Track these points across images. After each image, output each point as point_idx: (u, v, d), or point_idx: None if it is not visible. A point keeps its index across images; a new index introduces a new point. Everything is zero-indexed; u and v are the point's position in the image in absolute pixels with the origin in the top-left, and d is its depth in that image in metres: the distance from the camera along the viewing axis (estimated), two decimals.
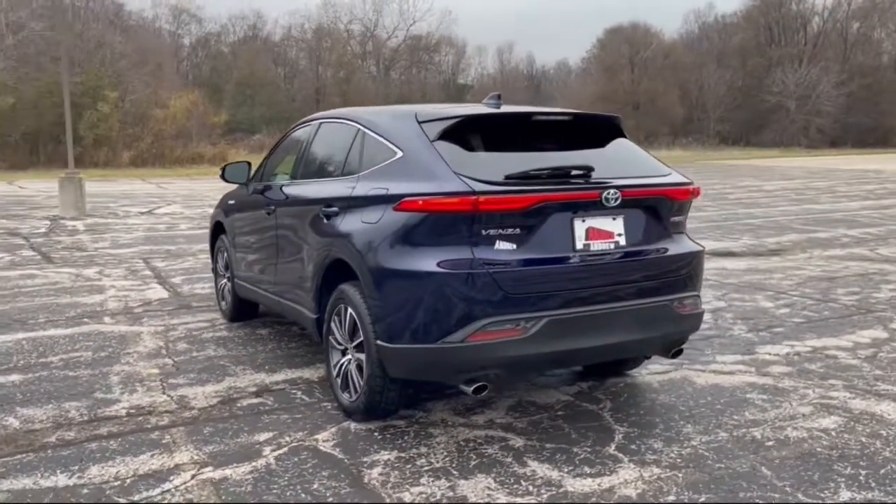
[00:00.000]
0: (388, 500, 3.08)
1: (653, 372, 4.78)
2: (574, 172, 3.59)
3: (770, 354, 5.16)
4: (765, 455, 3.52)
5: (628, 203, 3.66)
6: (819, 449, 3.60)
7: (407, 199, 3.46)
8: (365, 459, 3.49)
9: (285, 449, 3.60)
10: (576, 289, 3.52)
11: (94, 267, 9.02)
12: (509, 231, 3.40)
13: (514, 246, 3.42)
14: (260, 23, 67.75)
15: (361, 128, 4.18)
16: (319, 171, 4.65)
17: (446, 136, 3.63)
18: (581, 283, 3.54)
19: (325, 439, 3.71)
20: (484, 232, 3.37)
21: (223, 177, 5.59)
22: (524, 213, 3.40)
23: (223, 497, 3.11)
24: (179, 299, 7.11)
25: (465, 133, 3.67)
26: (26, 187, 23.56)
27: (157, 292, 7.45)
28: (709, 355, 5.14)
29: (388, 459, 3.48)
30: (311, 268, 4.24)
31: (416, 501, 3.08)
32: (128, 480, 3.26)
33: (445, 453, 3.55)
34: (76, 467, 3.40)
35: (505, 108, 4.02)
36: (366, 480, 3.27)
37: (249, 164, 5.73)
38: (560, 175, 3.56)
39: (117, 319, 6.28)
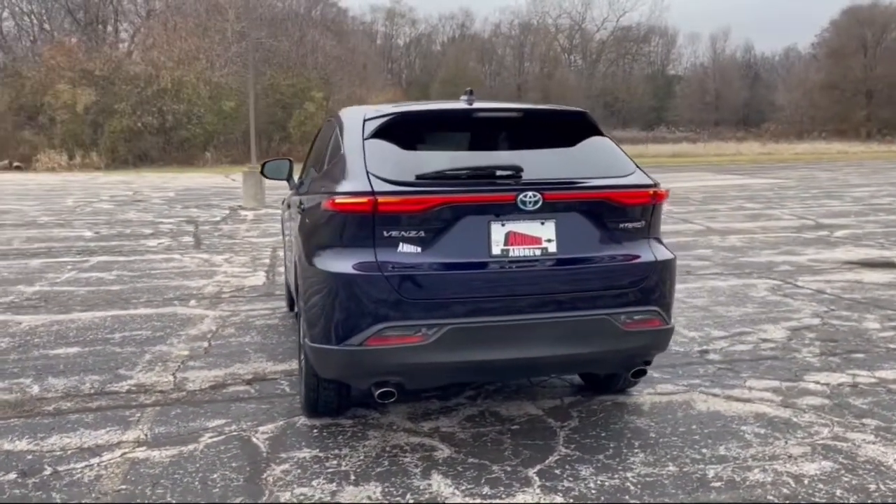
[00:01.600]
0: (264, 499, 3.12)
1: (658, 392, 4.37)
2: (500, 173, 3.37)
3: (817, 384, 4.49)
4: (698, 497, 3.11)
5: (560, 207, 3.38)
6: (770, 498, 3.10)
7: (325, 198, 3.46)
8: (282, 455, 3.54)
9: (222, 437, 3.75)
10: (489, 297, 3.31)
11: (227, 254, 9.86)
12: (413, 233, 3.28)
13: (419, 249, 3.28)
14: (468, 21, 69.59)
15: (336, 126, 4.23)
16: (313, 169, 4.76)
17: (380, 133, 3.57)
18: (496, 290, 3.32)
19: (264, 431, 3.82)
20: (386, 234, 3.28)
21: (262, 172, 5.87)
22: (427, 215, 3.26)
23: (127, 477, 3.32)
24: (269, 287, 7.58)
25: (399, 131, 3.58)
26: (237, 180, 26.06)
27: (256, 280, 8.00)
28: (741, 378, 4.58)
29: (303, 458, 3.51)
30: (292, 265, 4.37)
31: (291, 501, 3.09)
32: (68, 452, 3.59)
33: (362, 457, 3.51)
34: (42, 435, 3.79)
35: (460, 105, 3.85)
36: (264, 476, 3.33)
37: (291, 161, 5.97)
38: (481, 175, 3.37)
39: (200, 303, 6.84)
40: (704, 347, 5.26)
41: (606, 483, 3.23)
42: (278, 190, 20.07)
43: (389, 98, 35.58)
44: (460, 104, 3.74)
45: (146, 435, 3.78)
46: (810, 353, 5.12)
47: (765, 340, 5.44)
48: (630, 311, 3.48)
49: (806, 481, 3.23)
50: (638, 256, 3.54)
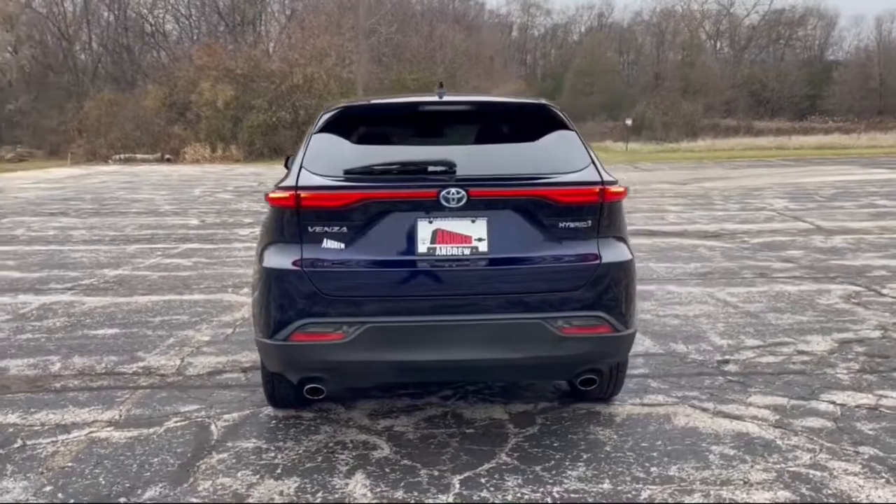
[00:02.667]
0: (183, 487, 3.21)
1: (644, 402, 4.10)
2: (431, 169, 3.26)
3: (832, 403, 4.05)
4: None
5: (492, 204, 3.23)
6: None
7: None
8: (228, 444, 3.63)
9: (185, 423, 3.90)
10: (413, 296, 3.22)
11: None
12: (336, 229, 3.24)
13: (343, 245, 3.25)
14: (607, 10, 67.85)
15: None
16: None
17: (328, 128, 3.56)
18: (421, 290, 3.23)
19: (226, 420, 3.93)
20: (311, 229, 3.27)
21: (286, 165, 5.99)
22: (348, 210, 3.21)
23: (78, 455, 3.52)
24: None
25: (346, 125, 3.55)
26: None
27: None
28: (747, 393, 4.21)
29: (245, 448, 3.58)
30: None
31: (208, 490, 3.17)
32: (45, 428, 3.85)
33: (301, 452, 3.53)
34: (34, 410, 4.09)
35: (409, 99, 3.76)
36: (199, 463, 3.42)
37: None
38: (411, 171, 3.27)
39: (246, 292, 7.13)
40: (727, 357, 4.88)
41: (526, 496, 3.07)
42: None
43: (512, 90, 35.39)
44: (412, 97, 3.65)
45: (120, 416, 3.99)
46: (846, 368, 4.62)
47: (801, 352, 4.96)
48: (568, 315, 3.28)
49: None
50: (581, 257, 3.32)
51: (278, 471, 3.33)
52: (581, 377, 3.49)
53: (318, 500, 3.06)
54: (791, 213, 12.84)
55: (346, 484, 3.19)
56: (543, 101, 3.75)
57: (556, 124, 3.63)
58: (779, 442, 3.57)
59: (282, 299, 3.29)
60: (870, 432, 3.68)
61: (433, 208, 3.20)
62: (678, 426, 3.77)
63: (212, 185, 20.52)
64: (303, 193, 3.23)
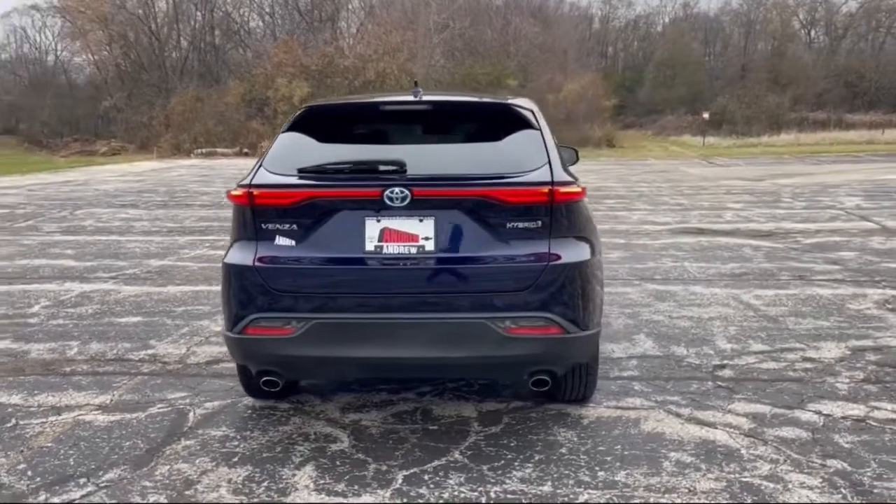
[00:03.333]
0: (142, 471, 3.37)
1: (619, 405, 4.03)
2: (382, 168, 3.30)
3: (817, 413, 3.89)
4: None
5: (439, 204, 3.25)
6: None
7: None
8: (198, 431, 3.78)
9: (167, 409, 4.07)
10: (360, 293, 3.28)
11: None
12: (287, 227, 3.33)
13: (294, 243, 3.33)
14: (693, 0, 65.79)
15: None
16: None
17: (295, 127, 3.65)
18: (368, 287, 3.28)
19: (206, 408, 4.08)
20: (264, 226, 3.37)
21: None
22: (297, 208, 3.29)
23: (59, 436, 3.73)
24: None
25: (311, 125, 3.63)
26: None
27: None
28: (730, 400, 4.09)
29: (212, 435, 3.72)
30: None
31: (163, 474, 3.31)
32: (40, 410, 4.09)
33: (265, 441, 3.65)
34: (36, 393, 4.36)
35: (372, 99, 3.80)
36: (166, 448, 3.58)
37: None
38: (362, 170, 3.32)
39: None
40: (725, 362, 4.73)
41: (462, 495, 3.09)
42: None
43: (583, 83, 34.92)
44: (378, 97, 3.69)
45: (111, 401, 4.21)
46: (849, 378, 4.42)
47: (806, 359, 4.77)
48: (515, 315, 3.27)
49: None
50: (529, 258, 3.29)
51: (235, 459, 3.45)
52: (534, 378, 3.46)
53: (261, 490, 3.16)
54: (860, 212, 12.24)
55: (294, 475, 3.29)
56: (505, 101, 3.74)
57: (521, 124, 3.61)
58: (743, 451, 3.46)
59: (238, 294, 3.41)
60: (846, 445, 3.52)
61: (382, 207, 3.25)
62: (644, 431, 3.70)
63: None
64: (255, 191, 3.34)
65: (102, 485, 3.21)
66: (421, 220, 3.27)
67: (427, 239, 3.27)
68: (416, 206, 3.25)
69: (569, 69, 36.94)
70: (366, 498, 3.07)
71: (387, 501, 3.05)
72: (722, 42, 63.36)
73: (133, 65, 43.18)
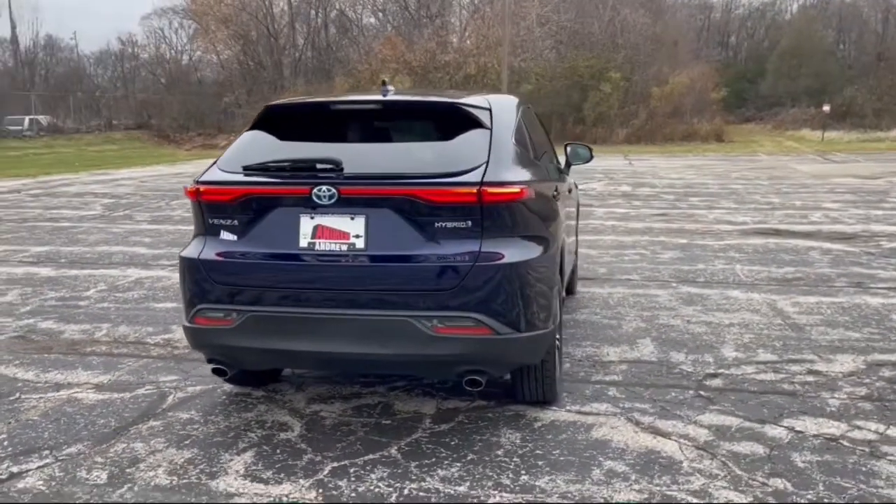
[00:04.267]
0: (100, 447, 3.61)
1: (580, 410, 3.95)
2: (320, 166, 3.38)
3: (788, 429, 3.68)
4: None
5: (370, 202, 3.30)
6: None
7: None
8: (169, 413, 4.00)
9: (152, 391, 4.33)
10: (292, 288, 3.38)
11: None
12: (229, 222, 3.47)
13: (235, 237, 3.47)
14: None
15: None
16: None
17: (258, 125, 3.78)
18: (300, 282, 3.37)
19: (186, 391, 4.31)
20: (211, 221, 3.52)
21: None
22: (236, 204, 3.43)
23: (48, 411, 4.06)
24: None
25: (270, 123, 3.75)
26: None
27: None
28: (704, 411, 3.92)
29: (180, 418, 3.93)
30: None
31: (115, 451, 3.54)
32: (43, 385, 4.44)
33: (223, 426, 3.82)
34: (49, 370, 4.73)
35: (327, 98, 3.88)
36: (131, 427, 3.81)
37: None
38: (301, 168, 3.41)
39: None
40: (720, 371, 4.53)
41: (377, 489, 3.14)
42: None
43: (694, 74, 33.60)
44: (338, 96, 3.78)
45: (109, 381, 4.52)
46: (848, 394, 4.13)
47: (812, 372, 4.49)
48: (441, 315, 3.27)
49: None
50: (457, 257, 3.28)
51: (187, 441, 3.64)
52: (466, 378, 3.45)
53: (195, 472, 3.33)
54: None
55: (231, 460, 3.44)
56: (454, 101, 3.74)
57: (471, 124, 3.59)
58: (685, 464, 3.32)
59: (188, 286, 3.60)
60: (801, 464, 3.31)
61: (315, 205, 3.33)
62: (592, 438, 3.61)
63: None
64: (202, 188, 3.50)
65: (60, 458, 3.48)
66: (352, 218, 3.34)
67: (357, 237, 3.33)
68: (345, 204, 3.31)
69: (679, 60, 35.67)
70: (285, 487, 3.18)
71: (300, 490, 3.14)
72: (858, 29, 59.27)
73: (252, 63, 45.25)
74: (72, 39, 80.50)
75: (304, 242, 3.38)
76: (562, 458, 3.40)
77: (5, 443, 3.66)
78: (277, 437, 3.67)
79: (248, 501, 3.06)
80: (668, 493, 3.08)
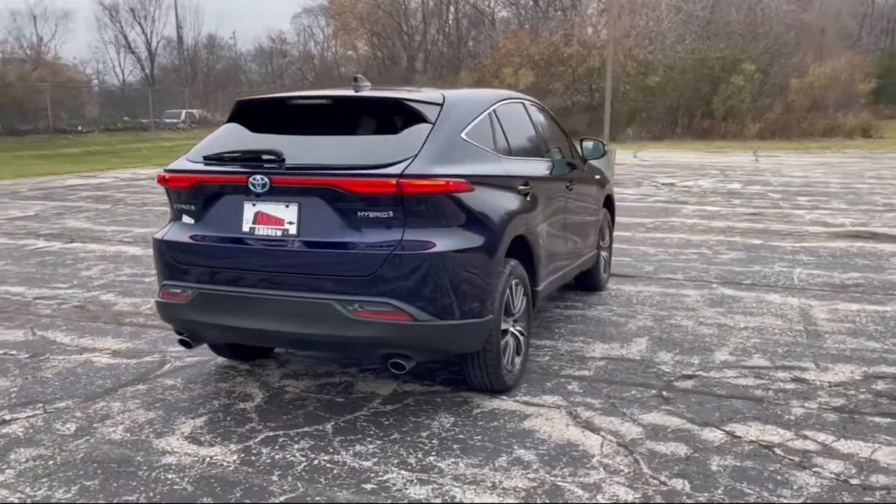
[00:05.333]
0: (86, 404, 4.08)
1: (526, 401, 4.02)
2: (265, 157, 3.64)
3: (729, 434, 3.59)
4: (306, 489, 3.10)
5: (301, 191, 3.53)
6: None
7: None
8: (158, 380, 4.41)
9: (156, 359, 4.76)
10: (233, 269, 3.67)
11: None
12: (188, 207, 3.81)
13: (193, 221, 3.81)
14: None
15: None
16: None
17: (232, 118, 4.09)
18: (240, 264, 3.66)
19: (183, 361, 4.71)
20: (176, 206, 3.88)
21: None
22: (191, 191, 3.76)
23: (62, 372, 4.59)
24: None
25: (241, 117, 4.04)
26: (646, 160, 26.26)
27: None
28: (655, 411, 3.88)
29: (164, 384, 4.33)
30: None
31: (94, 409, 3.99)
32: (71, 348, 5.00)
33: (196, 394, 4.19)
34: (84, 336, 5.30)
35: (287, 94, 4.13)
36: (120, 389, 4.26)
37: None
38: (248, 159, 3.68)
39: None
40: (698, 373, 4.43)
41: (290, 458, 3.37)
42: (649, 167, 19.90)
43: (838, 66, 31.27)
44: (295, 93, 4.04)
45: (125, 348, 5.03)
46: (820, 404, 3.95)
47: (796, 380, 4.30)
48: (362, 299, 3.45)
49: None
50: (379, 245, 3.45)
51: (157, 405, 4.04)
52: (390, 360, 3.61)
53: (147, 431, 3.70)
54: None
55: (184, 423, 3.79)
56: (398, 97, 3.89)
57: (414, 118, 3.74)
58: (595, 459, 3.34)
59: (158, 264, 3.99)
60: (714, 468, 3.24)
61: (256, 192, 3.61)
62: (521, 427, 3.68)
63: None
64: (167, 175, 3.87)
65: (49, 410, 3.97)
66: (287, 206, 3.59)
67: (291, 223, 3.58)
68: (280, 193, 3.57)
69: (826, 50, 33.34)
70: (214, 450, 3.49)
71: (224, 454, 3.43)
72: None
73: (386, 58, 46.67)
74: (231, 39, 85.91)
75: (246, 227, 3.67)
76: (478, 444, 3.50)
77: (13, 394, 4.20)
78: (235, 406, 4.00)
79: (174, 460, 3.38)
80: (559, 483, 3.12)
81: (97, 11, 65.73)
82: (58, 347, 5.05)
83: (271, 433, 3.65)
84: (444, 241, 3.53)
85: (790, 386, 4.21)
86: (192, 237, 3.82)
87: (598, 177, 6.21)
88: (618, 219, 10.78)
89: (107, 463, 3.36)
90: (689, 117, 31.26)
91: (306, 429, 3.70)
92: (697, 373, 4.42)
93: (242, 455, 3.43)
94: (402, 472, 3.24)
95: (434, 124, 3.74)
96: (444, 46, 48.91)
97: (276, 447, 3.50)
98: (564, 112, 31.77)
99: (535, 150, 4.92)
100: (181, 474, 3.24)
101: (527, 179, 4.35)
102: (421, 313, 3.48)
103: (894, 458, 3.33)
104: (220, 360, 4.74)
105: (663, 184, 16.17)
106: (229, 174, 3.70)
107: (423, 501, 3.00)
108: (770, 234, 9.40)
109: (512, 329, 4.16)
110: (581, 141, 5.93)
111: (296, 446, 3.51)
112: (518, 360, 4.21)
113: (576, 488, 3.08)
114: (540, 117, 5.26)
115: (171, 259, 3.87)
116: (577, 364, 4.60)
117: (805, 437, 3.53)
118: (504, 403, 3.99)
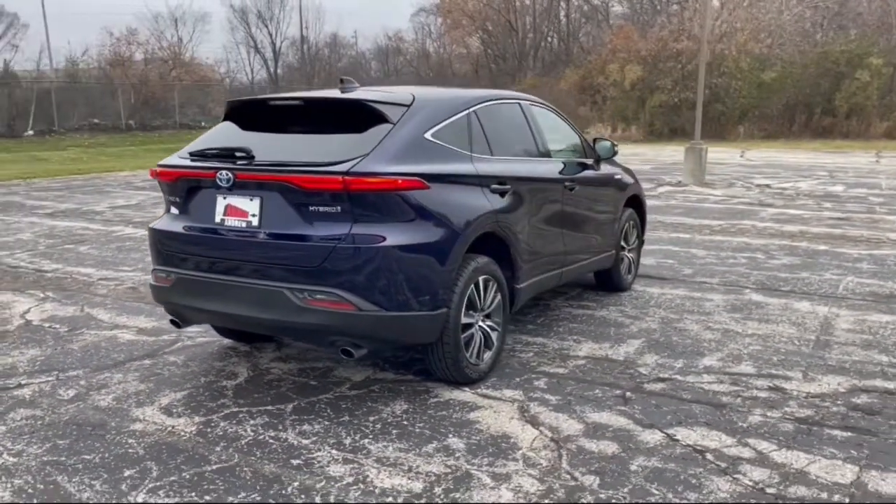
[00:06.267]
0: (96, 371, 4.53)
1: (484, 394, 4.13)
2: (238, 154, 3.93)
3: (667, 437, 3.58)
4: (206, 464, 3.36)
5: (263, 186, 3.80)
6: (293, 492, 3.16)
7: None
8: (165, 357, 4.81)
9: (172, 338, 5.17)
10: (207, 257, 3.98)
11: None
12: (174, 199, 4.17)
13: (178, 212, 4.16)
14: None
15: None
16: None
17: (226, 118, 4.42)
18: (213, 253, 3.96)
19: (195, 341, 5.10)
20: (167, 198, 4.24)
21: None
22: (175, 185, 4.10)
23: (88, 343, 5.09)
24: None
25: (232, 117, 4.35)
26: (753, 159, 25.18)
27: None
28: (605, 410, 3.91)
29: (168, 360, 4.73)
30: None
31: (98, 380, 4.42)
32: (107, 325, 5.50)
33: (191, 370, 4.55)
34: (125, 314, 5.80)
35: (267, 96, 4.39)
36: (128, 363, 4.70)
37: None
38: (224, 155, 3.98)
39: None
40: (674, 377, 4.39)
41: (240, 432, 3.65)
42: (751, 167, 19.08)
43: None
44: (274, 94, 4.32)
45: (150, 327, 5.48)
46: (784, 414, 3.85)
47: (772, 388, 4.20)
48: (311, 288, 3.68)
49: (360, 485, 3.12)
50: (328, 238, 3.65)
51: (151, 378, 4.43)
52: (340, 348, 3.82)
53: (130, 401, 4.09)
54: None
55: (165, 396, 4.15)
56: (357, 98, 4.09)
57: (375, 119, 3.93)
58: (521, 451, 3.43)
59: (151, 251, 4.38)
60: (634, 467, 3.26)
61: (223, 187, 3.91)
62: (466, 418, 3.81)
63: None
64: (159, 170, 4.24)
65: (60, 378, 4.45)
66: (251, 200, 3.87)
67: (254, 216, 3.86)
68: (242, 188, 3.86)
69: None
70: (179, 421, 3.82)
71: (186, 425, 3.76)
72: None
73: (494, 55, 46.83)
74: (353, 38, 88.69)
75: (218, 219, 3.99)
76: (416, 431, 3.66)
77: (38, 362, 4.72)
78: (217, 384, 4.33)
79: (141, 427, 3.74)
80: (473, 471, 3.24)
81: (229, 14, 69.66)
82: (95, 323, 5.59)
83: (236, 409, 3.95)
84: (393, 236, 3.70)
85: (763, 394, 4.10)
86: (175, 226, 4.18)
87: (618, 177, 6.17)
88: (683, 220, 10.58)
89: (84, 426, 3.76)
90: (808, 115, 29.59)
91: (269, 407, 3.97)
92: (674, 376, 4.38)
93: (201, 427, 3.74)
94: (333, 451, 3.45)
95: (395, 125, 3.92)
96: (555, 41, 48.52)
97: (234, 422, 3.79)
98: (672, 109, 30.92)
99: (525, 150, 4.99)
100: (140, 440, 3.59)
101: (504, 179, 4.44)
102: (365, 303, 3.68)
103: (828, 471, 3.23)
104: (226, 341, 5.11)
105: (757, 185, 15.53)
106: (203, 169, 4.02)
107: (336, 477, 3.20)
108: (842, 241, 8.93)
109: (482, 324, 4.27)
110: (594, 141, 5.94)
111: (251, 422, 3.79)
112: (488, 354, 4.33)
113: (485, 477, 3.19)
114: (541, 118, 5.31)
115: (159, 246, 4.25)
116: (557, 362, 4.65)
117: (745, 445, 3.47)
118: (462, 395, 4.12)
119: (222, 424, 3.77)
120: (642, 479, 3.17)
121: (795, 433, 3.61)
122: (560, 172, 5.19)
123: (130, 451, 3.48)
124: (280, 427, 3.72)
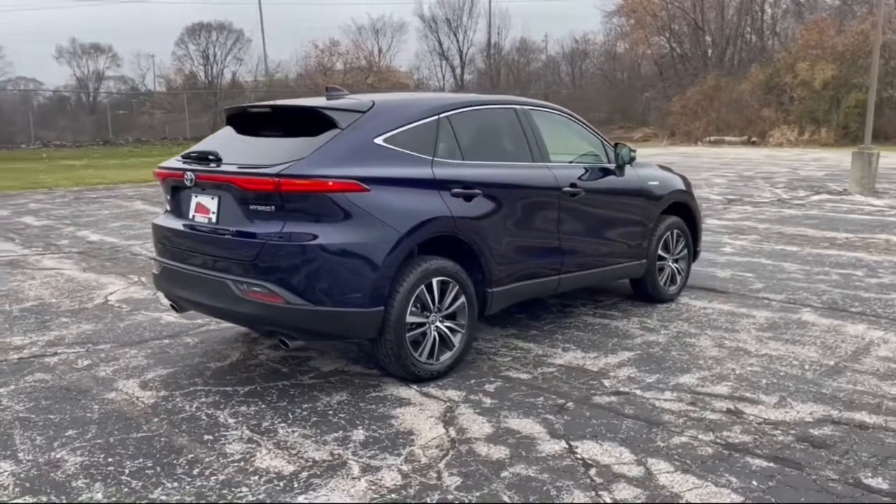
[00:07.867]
0: (119, 345, 5.14)
1: (427, 393, 4.22)
2: (210, 157, 4.32)
3: (566, 448, 3.50)
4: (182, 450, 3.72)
5: (219, 186, 4.15)
6: (239, 486, 3.48)
7: None
8: (182, 339, 5.35)
9: (200, 324, 5.75)
10: (180, 249, 4.41)
11: None
12: (167, 196, 4.64)
13: (168, 209, 4.64)
14: None
15: None
16: None
17: (226, 122, 4.85)
18: (185, 245, 4.38)
19: (220, 326, 5.62)
20: (165, 196, 4.73)
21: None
22: (164, 184, 4.57)
23: (129, 324, 5.77)
24: None
25: (230, 121, 4.76)
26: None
27: None
28: (531, 417, 3.87)
29: (182, 342, 5.26)
30: None
31: (115, 352, 5.03)
32: (160, 306, 6.20)
33: (191, 352, 5.03)
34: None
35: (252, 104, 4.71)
36: (150, 342, 5.29)
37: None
38: (199, 158, 4.38)
39: None
40: (634, 391, 4.22)
41: (185, 407, 4.03)
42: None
43: None
44: (260, 102, 4.66)
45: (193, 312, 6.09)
46: (722, 438, 3.61)
47: (730, 412, 3.92)
48: (247, 281, 3.97)
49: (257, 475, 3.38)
50: (262, 235, 3.91)
51: (157, 356, 4.95)
52: (277, 336, 4.09)
53: (122, 372, 4.62)
54: None
55: (154, 371, 4.64)
56: (310, 105, 4.30)
57: (326, 125, 4.16)
58: (410, 448, 3.51)
59: (153, 243, 4.91)
60: (505, 474, 3.24)
61: (188, 186, 4.32)
62: (388, 413, 3.93)
63: (745, 170, 20.18)
64: (157, 171, 4.75)
65: (90, 350, 5.10)
66: (213, 199, 4.25)
67: (213, 213, 4.23)
68: (203, 188, 4.24)
69: None
70: (148, 393, 4.27)
71: (148, 398, 4.21)
72: None
73: (675, 55, 44.96)
74: (543, 41, 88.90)
75: (190, 215, 4.42)
76: (333, 420, 3.85)
77: (84, 336, 5.44)
78: (205, 365, 4.77)
79: (112, 396, 4.25)
80: (349, 461, 3.39)
81: (419, 24, 72.56)
82: (154, 306, 6.29)
83: (200, 388, 4.35)
84: (325, 235, 3.92)
85: (713, 416, 3.85)
86: (164, 221, 4.68)
87: (652, 184, 5.92)
88: (806, 231, 9.77)
89: (71, 391, 4.33)
90: None
91: (227, 388, 4.34)
92: (633, 391, 4.21)
93: (158, 401, 4.17)
94: (245, 431, 3.74)
95: (343, 130, 4.13)
96: (752, 37, 45.59)
97: (188, 398, 4.19)
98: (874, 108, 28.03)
99: (514, 156, 4.97)
100: (102, 407, 4.08)
101: (470, 184, 4.48)
102: (294, 297, 3.92)
103: (705, 499, 3.01)
104: (238, 329, 5.56)
105: None
106: (177, 170, 4.48)
107: (228, 454, 3.47)
108: None
109: (440, 325, 4.37)
110: (615, 146, 5.77)
111: (201, 400, 4.17)
112: (447, 355, 4.41)
113: (356, 467, 3.32)
114: (543, 124, 5.23)
115: (155, 238, 4.77)
116: (528, 368, 4.62)
117: (641, 464, 3.31)
118: (406, 392, 4.24)
119: (177, 400, 4.18)
120: (504, 485, 3.14)
121: (709, 458, 3.38)
122: (559, 178, 5.11)
123: (88, 414, 3.98)
124: (222, 406, 4.06)
